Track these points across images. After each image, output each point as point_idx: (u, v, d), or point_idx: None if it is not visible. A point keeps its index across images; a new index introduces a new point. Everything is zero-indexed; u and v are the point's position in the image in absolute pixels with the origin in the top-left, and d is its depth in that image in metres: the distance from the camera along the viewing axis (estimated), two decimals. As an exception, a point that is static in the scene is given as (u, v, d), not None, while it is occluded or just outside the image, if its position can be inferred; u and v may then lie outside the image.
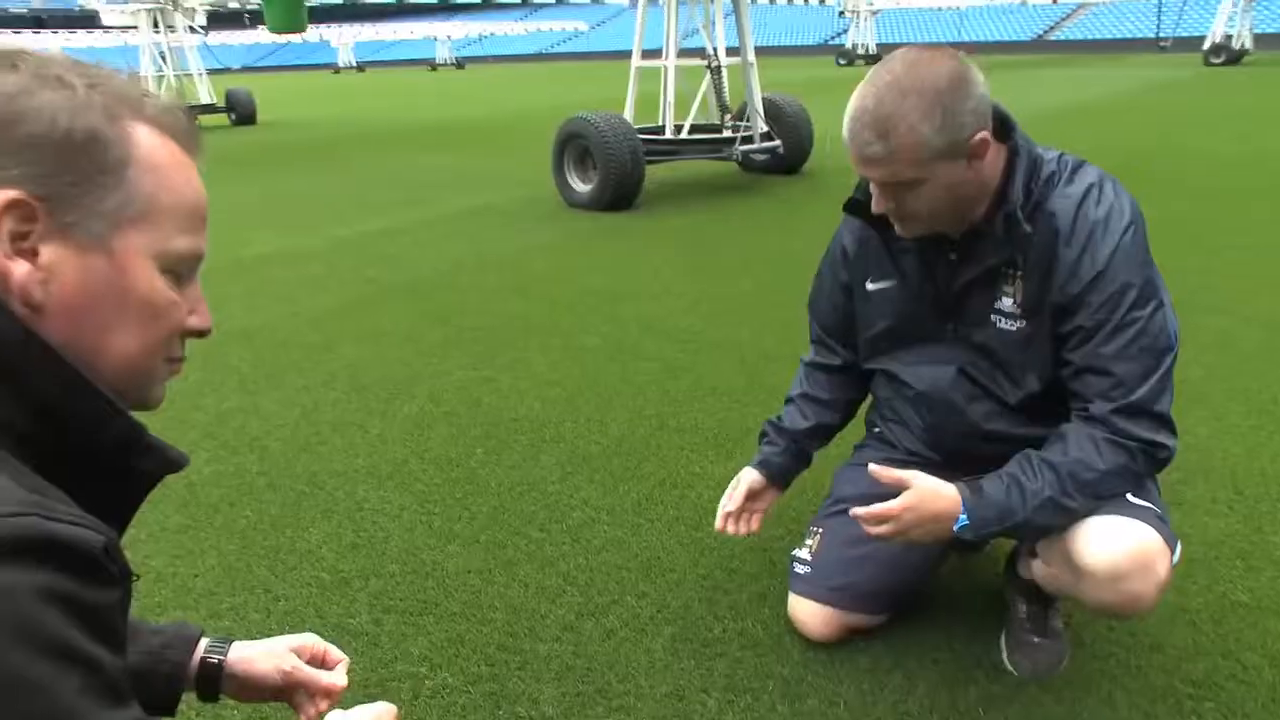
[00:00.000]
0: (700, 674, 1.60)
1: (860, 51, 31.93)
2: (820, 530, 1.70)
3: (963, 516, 1.33)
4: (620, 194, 5.81)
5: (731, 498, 1.66)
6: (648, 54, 6.47)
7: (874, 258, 1.55)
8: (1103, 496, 1.32)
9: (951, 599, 1.81)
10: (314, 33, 51.44)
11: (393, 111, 16.89)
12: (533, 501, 2.21)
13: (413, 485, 2.31)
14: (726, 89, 6.44)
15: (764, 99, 6.75)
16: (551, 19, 55.77)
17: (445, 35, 50.48)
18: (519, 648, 1.68)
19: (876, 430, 1.76)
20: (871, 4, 32.38)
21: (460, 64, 48.81)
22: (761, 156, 7.12)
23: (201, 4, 13.55)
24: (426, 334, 3.53)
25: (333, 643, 0.97)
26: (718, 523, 1.66)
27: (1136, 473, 1.32)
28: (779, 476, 1.71)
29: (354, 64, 49.84)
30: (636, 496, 2.23)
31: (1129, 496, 1.34)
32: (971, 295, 1.45)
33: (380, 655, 1.66)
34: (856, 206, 1.48)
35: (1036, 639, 1.62)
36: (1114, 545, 1.28)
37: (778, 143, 6.65)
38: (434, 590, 1.86)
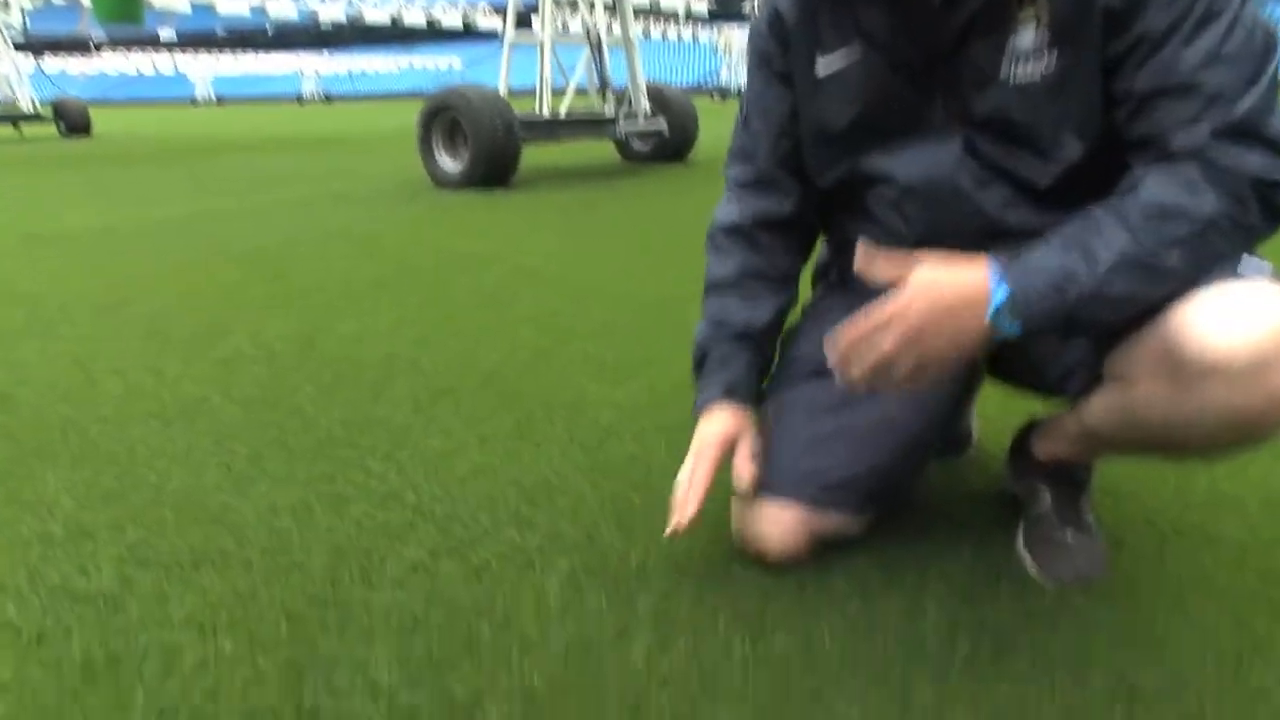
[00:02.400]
0: (616, 615, 1.08)
1: (733, 90, 32.57)
2: (771, 406, 1.22)
3: (998, 291, 0.88)
4: (494, 169, 5.28)
5: (697, 470, 1.13)
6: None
7: (822, 22, 1.10)
8: (1205, 260, 0.89)
9: (942, 506, 1.36)
10: (168, 63, 48.84)
11: (246, 130, 15.82)
12: (374, 435, 1.65)
13: (209, 425, 1.70)
14: (608, 65, 6.05)
15: (648, 86, 6.40)
16: (425, 54, 54.73)
17: (312, 70, 48.70)
18: (341, 599, 1.11)
19: (833, 278, 1.31)
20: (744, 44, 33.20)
21: (329, 99, 47.17)
22: (644, 145, 6.77)
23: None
24: (252, 290, 2.89)
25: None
26: (675, 517, 1.12)
27: (1248, 227, 0.89)
28: (752, 403, 1.21)
29: (213, 97, 47.40)
30: (514, 421, 1.69)
31: (1241, 270, 0.91)
32: (970, 45, 1.01)
33: (119, 622, 1.07)
34: None
35: (1070, 538, 1.18)
36: (1249, 321, 0.84)
37: (662, 123, 6.30)
38: (222, 537, 1.27)
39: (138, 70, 54.31)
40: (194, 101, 46.37)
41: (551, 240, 3.73)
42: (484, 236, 3.87)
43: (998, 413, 1.75)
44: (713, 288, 1.22)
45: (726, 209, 1.23)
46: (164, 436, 1.64)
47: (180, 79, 53.09)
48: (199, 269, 3.24)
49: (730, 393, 1.17)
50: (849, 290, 1.25)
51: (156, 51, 49.31)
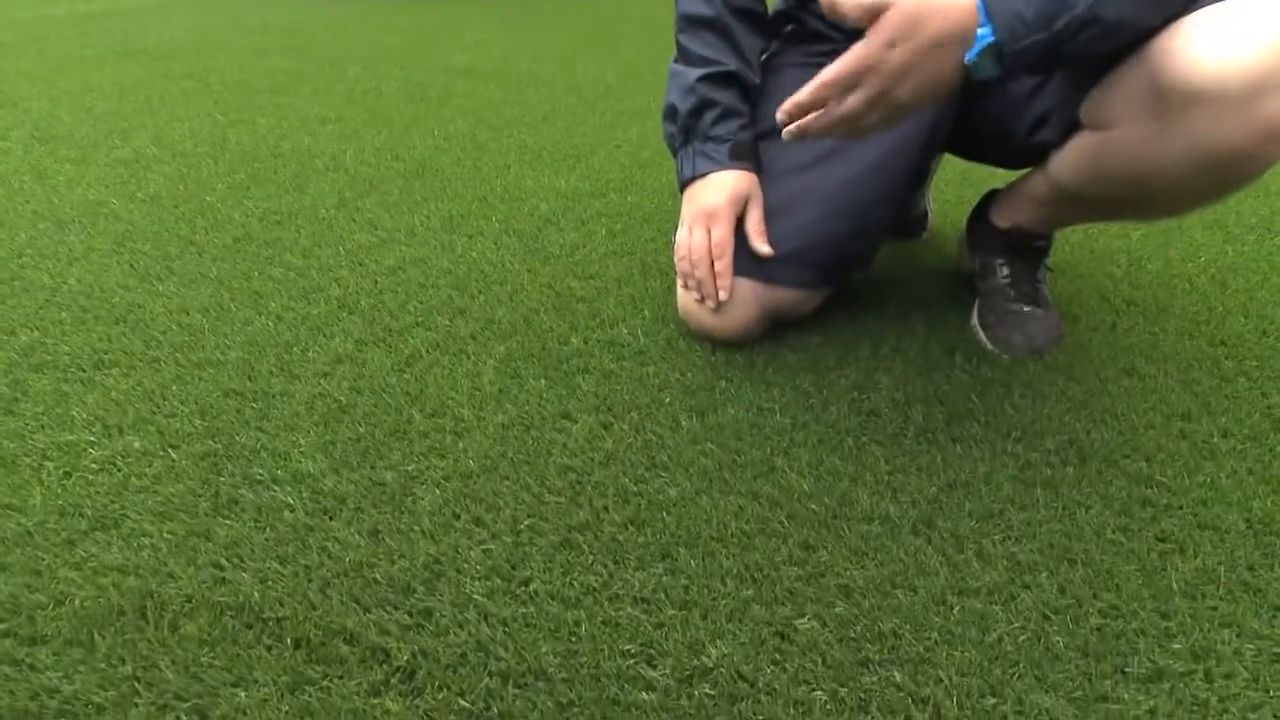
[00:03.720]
0: (557, 395, 1.02)
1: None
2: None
3: (983, 30, 0.77)
4: (418, -36, 4.80)
5: (720, 236, 1.04)
6: None
7: None
8: None
9: (897, 286, 1.31)
10: None
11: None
12: (294, 231, 1.52)
13: (110, 227, 1.55)
14: None
15: None
16: None
17: None
18: (261, 391, 1.04)
19: (789, 29, 1.18)
20: None
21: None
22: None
23: None
24: (157, 88, 2.62)
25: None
26: (692, 295, 1.07)
27: None
28: (757, 163, 1.09)
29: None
30: (447, 214, 1.58)
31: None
32: None
33: (12, 425, 0.98)
34: None
35: (1025, 308, 1.14)
36: (1242, 40, 0.75)
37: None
38: (126, 337, 1.17)
39: None
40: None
41: (485, 37, 3.44)
42: (413, 35, 3.55)
43: (954, 197, 1.69)
44: (693, 21, 1.08)
45: None
46: (57, 240, 1.49)
47: None
48: (94, 67, 2.93)
49: (738, 155, 1.06)
50: (807, 42, 1.13)
51: None
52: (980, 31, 0.77)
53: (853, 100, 0.80)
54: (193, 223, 1.56)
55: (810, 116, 0.82)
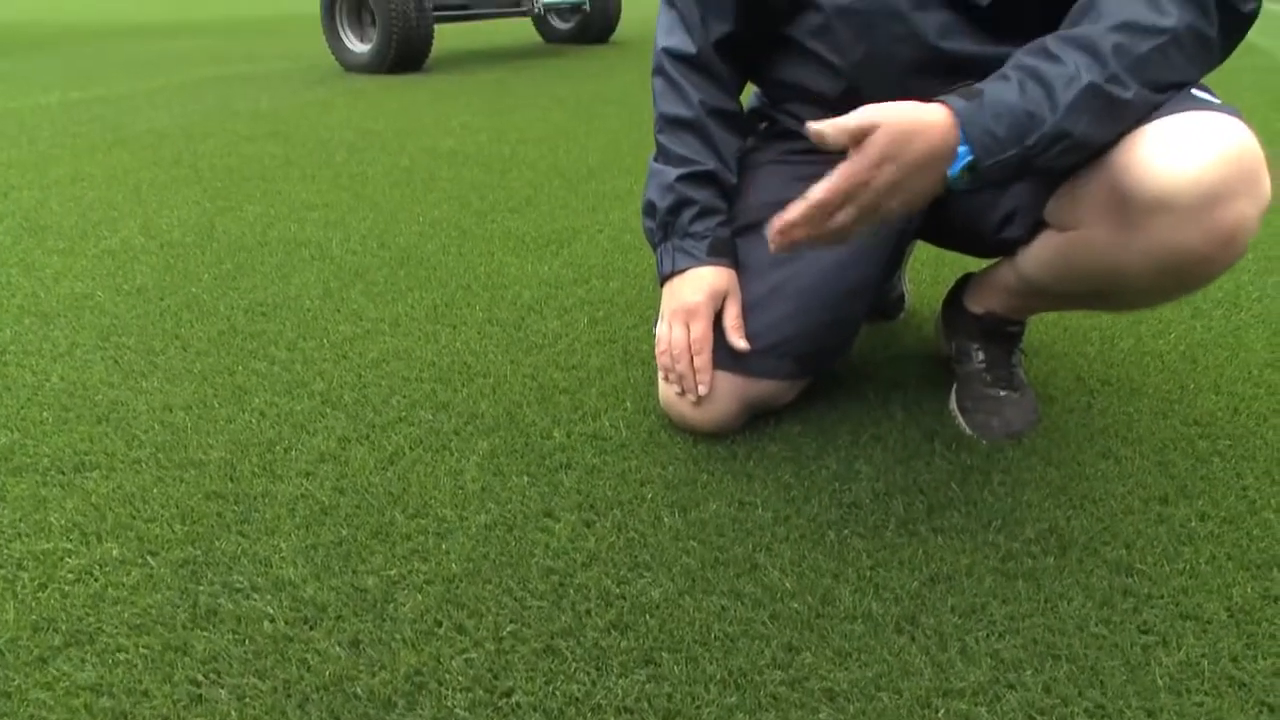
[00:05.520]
0: (539, 493, 1.02)
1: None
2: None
3: (963, 148, 0.80)
4: (406, 52, 4.93)
5: (699, 333, 1.07)
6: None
7: None
8: (1164, 86, 0.83)
9: (875, 370, 1.33)
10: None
11: (133, 13, 14.57)
12: (279, 321, 1.53)
13: (95, 321, 1.56)
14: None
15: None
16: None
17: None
18: (243, 492, 1.03)
19: (764, 126, 1.22)
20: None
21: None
22: (565, 24, 6.43)
23: None
24: (145, 175, 2.67)
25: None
26: (673, 388, 1.09)
27: (1208, 44, 0.83)
28: (734, 260, 1.12)
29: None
30: (431, 303, 1.59)
31: (1195, 93, 0.85)
32: None
33: (-9, 533, 0.97)
34: None
35: (1001, 392, 1.16)
36: (1198, 151, 0.79)
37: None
38: (108, 437, 1.17)
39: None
40: (75, -17, 42.47)
41: (470, 120, 3.52)
42: (398, 118, 3.63)
43: (930, 277, 1.72)
44: (672, 122, 1.11)
45: (677, 34, 1.10)
46: (41, 335, 1.50)
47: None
48: (85, 155, 2.97)
49: (716, 252, 1.09)
50: (782, 140, 1.17)
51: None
52: (960, 149, 0.80)
53: (841, 217, 0.83)
54: (178, 316, 1.57)
55: (798, 233, 0.84)
